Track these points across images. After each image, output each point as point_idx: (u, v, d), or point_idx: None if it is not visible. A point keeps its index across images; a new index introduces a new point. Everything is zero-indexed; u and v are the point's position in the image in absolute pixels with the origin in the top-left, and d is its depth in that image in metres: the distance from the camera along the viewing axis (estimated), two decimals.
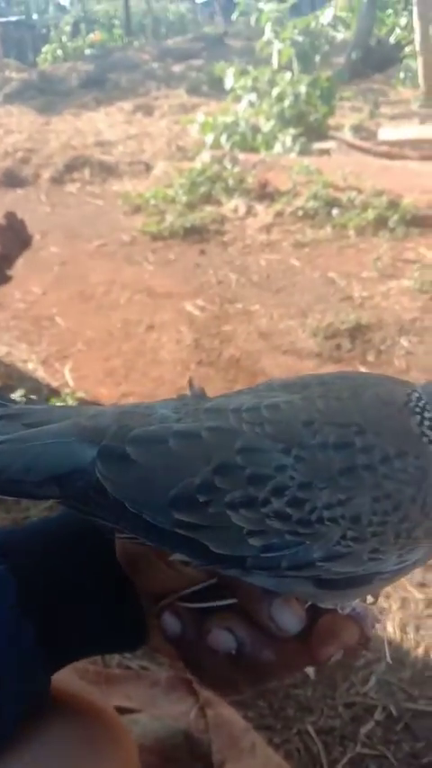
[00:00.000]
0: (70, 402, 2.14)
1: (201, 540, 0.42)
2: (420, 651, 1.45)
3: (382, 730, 1.32)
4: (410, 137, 4.96)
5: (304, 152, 4.93)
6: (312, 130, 5.24)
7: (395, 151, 4.78)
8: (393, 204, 3.63)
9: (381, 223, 3.54)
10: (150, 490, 0.43)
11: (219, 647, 0.46)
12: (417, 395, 0.45)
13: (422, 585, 1.57)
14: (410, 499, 0.42)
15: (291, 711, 1.36)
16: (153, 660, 1.45)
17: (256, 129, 5.23)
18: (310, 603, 0.45)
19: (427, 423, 0.44)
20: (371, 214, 3.58)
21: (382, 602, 1.56)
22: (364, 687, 1.39)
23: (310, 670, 1.52)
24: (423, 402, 0.45)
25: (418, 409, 0.44)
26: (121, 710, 1.27)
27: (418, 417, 0.44)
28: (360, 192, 3.83)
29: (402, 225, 3.49)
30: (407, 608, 1.54)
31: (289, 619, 0.44)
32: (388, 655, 1.39)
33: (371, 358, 2.45)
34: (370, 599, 0.50)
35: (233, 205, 3.92)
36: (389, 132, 5.14)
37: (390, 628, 1.49)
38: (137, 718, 1.29)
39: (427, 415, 0.44)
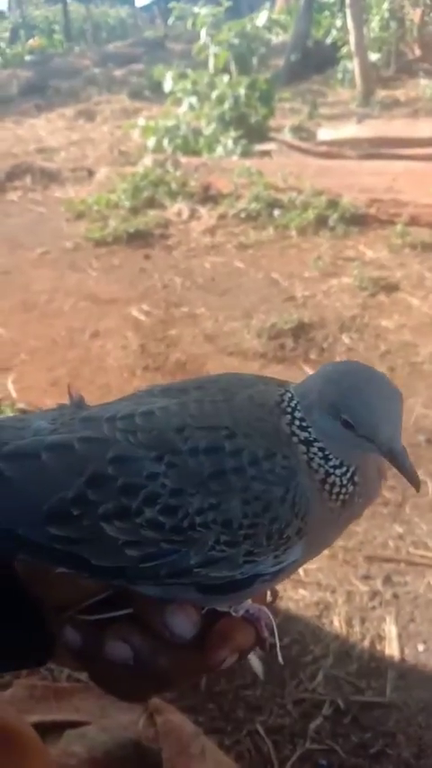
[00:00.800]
0: (10, 414, 2.10)
1: (80, 554, 0.42)
2: (366, 643, 1.47)
3: (330, 724, 1.34)
4: (349, 136, 5.04)
5: (246, 154, 4.96)
6: (253, 132, 5.28)
7: (334, 151, 4.85)
8: (333, 203, 3.68)
9: (321, 222, 3.59)
10: (25, 506, 0.43)
11: (115, 657, 0.45)
12: (289, 395, 0.46)
13: (366, 578, 1.60)
14: (280, 500, 0.43)
15: (241, 713, 1.37)
16: None
17: (197, 133, 5.24)
18: (207, 608, 0.45)
19: (296, 422, 0.44)
20: (311, 214, 3.63)
21: (327, 596, 1.58)
22: (312, 683, 1.41)
23: (259, 670, 1.54)
24: (294, 402, 0.45)
25: (289, 409, 0.45)
26: (71, 724, 1.26)
27: (289, 417, 0.45)
28: (300, 192, 3.87)
29: (342, 224, 3.54)
30: (352, 601, 1.56)
31: (183, 625, 0.44)
32: (261, 673, 1.42)
33: (314, 356, 2.48)
34: (269, 597, 0.50)
35: (177, 209, 3.92)
36: (328, 132, 5.21)
37: (336, 622, 1.51)
38: (85, 731, 1.28)
39: (297, 414, 0.45)
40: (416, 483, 0.44)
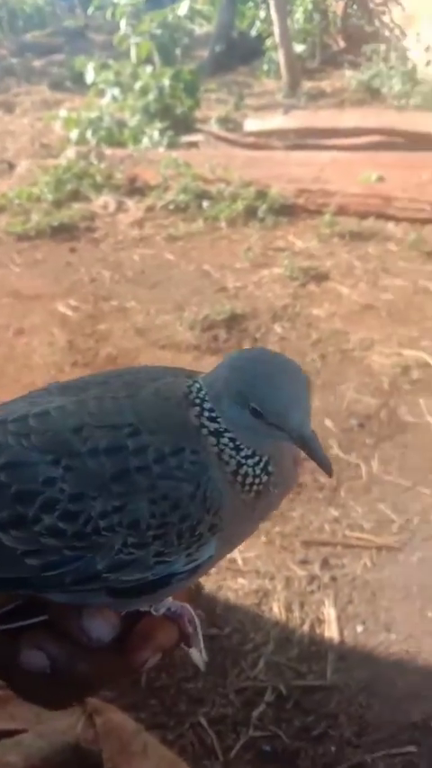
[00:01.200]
0: None
1: None
2: (306, 628, 1.47)
3: (273, 711, 1.34)
4: (275, 127, 5.06)
5: (172, 145, 4.91)
6: (179, 124, 5.23)
7: (261, 142, 4.86)
8: (261, 194, 3.68)
9: (250, 213, 3.59)
10: None
11: (31, 667, 0.43)
12: (197, 386, 0.44)
13: (304, 563, 1.61)
14: (189, 496, 0.41)
15: (183, 706, 1.35)
16: None
17: (122, 124, 5.16)
18: (123, 613, 0.43)
19: (206, 414, 0.43)
20: (240, 205, 3.62)
21: (266, 583, 1.58)
22: (253, 671, 1.40)
23: (200, 661, 1.52)
24: (203, 393, 0.43)
25: (197, 401, 0.43)
26: (6, 733, 1.21)
27: (197, 409, 0.43)
28: (229, 183, 3.86)
29: (271, 214, 3.55)
30: (291, 587, 1.56)
31: (100, 628, 0.42)
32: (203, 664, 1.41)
33: (247, 346, 2.47)
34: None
35: (102, 201, 3.84)
36: (254, 123, 5.21)
37: (275, 608, 1.51)
38: (21, 738, 1.23)
39: (206, 405, 0.43)
40: (328, 469, 0.42)
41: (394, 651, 1.41)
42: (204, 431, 0.42)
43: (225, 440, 0.42)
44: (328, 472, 0.43)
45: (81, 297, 2.86)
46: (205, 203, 3.71)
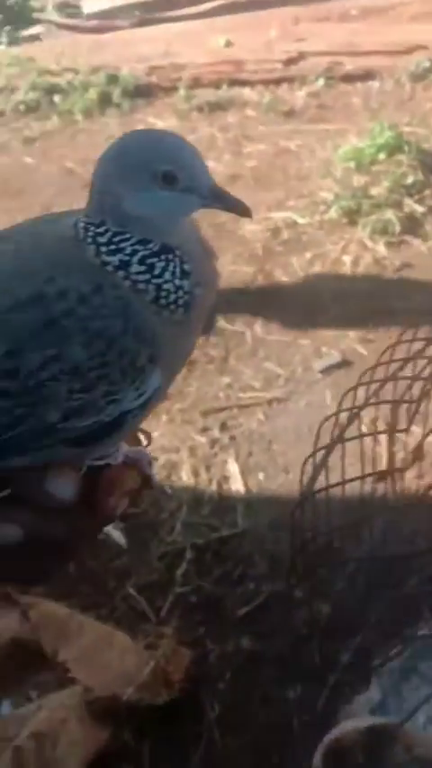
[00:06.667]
0: None
1: None
2: (214, 487, 1.56)
3: (194, 566, 1.43)
4: (117, 4, 4.75)
5: (12, 42, 4.56)
6: (15, 17, 4.83)
7: (107, 24, 4.57)
8: (113, 78, 3.50)
9: (105, 101, 3.43)
10: None
11: (6, 541, 0.43)
12: (81, 224, 0.41)
13: (204, 430, 1.68)
14: (121, 332, 0.40)
15: (112, 583, 1.43)
16: None
17: None
18: (84, 470, 0.44)
19: (103, 249, 0.40)
20: (93, 93, 3.44)
21: (173, 456, 1.64)
22: (171, 536, 1.49)
23: (121, 540, 1.60)
24: (92, 230, 0.41)
25: (89, 239, 0.41)
26: None
27: (93, 248, 0.41)
28: (77, 72, 3.64)
29: (126, 98, 3.40)
30: (195, 455, 1.63)
31: (64, 487, 0.42)
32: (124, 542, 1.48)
33: None
34: (144, 441, 0.50)
35: None
36: (94, 4, 4.87)
37: (184, 477, 1.59)
38: None
39: (100, 240, 0.41)
40: (246, 211, 0.43)
41: (294, 489, 1.52)
42: (109, 267, 0.40)
43: (134, 268, 0.40)
44: (248, 214, 0.43)
45: None
46: (56, 98, 3.51)
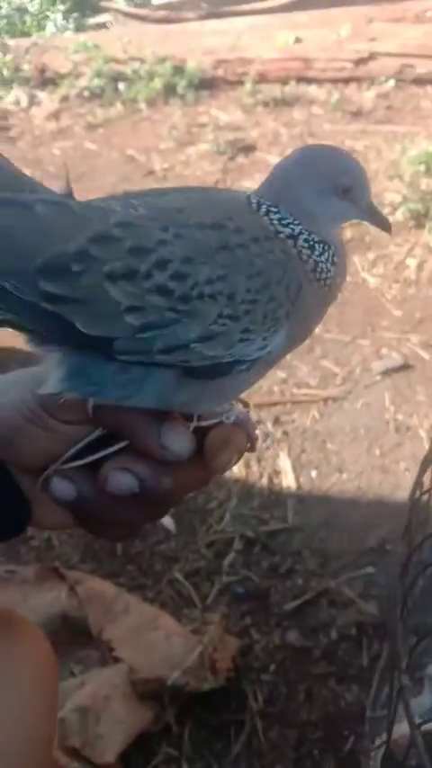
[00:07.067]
0: None
1: (68, 317, 0.40)
2: (264, 480, 1.56)
3: (242, 557, 1.43)
4: None
5: (80, 29, 4.59)
6: (83, 4, 4.87)
7: (173, 15, 4.57)
8: (179, 70, 3.51)
9: (170, 91, 3.44)
10: (13, 254, 0.39)
11: (120, 488, 0.45)
12: (254, 200, 0.47)
13: (257, 423, 1.67)
14: (277, 280, 0.43)
15: (159, 566, 1.44)
16: (18, 561, 1.46)
17: (22, 11, 4.78)
18: (193, 427, 0.47)
19: (275, 221, 0.46)
20: (158, 83, 3.46)
21: None
22: (220, 525, 1.49)
23: (170, 525, 1.60)
24: (265, 207, 0.46)
25: (263, 210, 0.46)
26: None
27: (266, 218, 0.46)
28: (143, 61, 3.66)
29: (191, 89, 3.41)
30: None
31: (180, 442, 0.45)
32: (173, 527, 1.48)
33: None
34: (242, 407, 0.52)
35: (13, 97, 3.63)
36: None
37: (234, 468, 1.58)
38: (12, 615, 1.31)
39: (273, 216, 0.46)
40: (390, 228, 0.51)
41: (347, 489, 1.51)
42: (281, 235, 0.45)
43: (301, 241, 0.46)
44: (390, 231, 0.52)
45: None
46: (121, 86, 3.53)
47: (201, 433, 0.48)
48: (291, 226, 0.46)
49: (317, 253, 0.46)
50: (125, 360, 0.42)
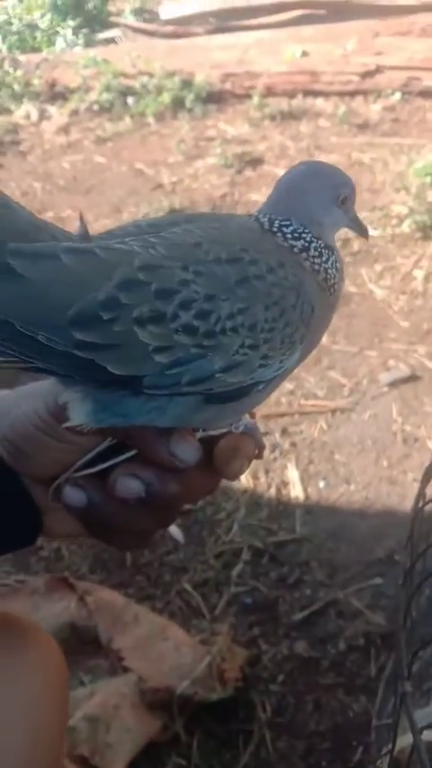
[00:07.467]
0: None
1: (99, 362, 0.41)
2: (273, 491, 1.57)
3: (250, 567, 1.44)
4: (194, 12, 4.81)
5: (89, 44, 4.65)
6: (93, 20, 4.93)
7: (181, 30, 4.62)
8: (187, 84, 3.55)
9: (178, 105, 3.48)
10: (46, 308, 0.40)
11: (128, 493, 0.47)
12: (265, 219, 0.50)
13: (265, 434, 1.68)
14: (292, 306, 0.46)
15: (167, 577, 1.45)
16: (28, 571, 1.47)
17: (32, 27, 4.85)
18: (200, 437, 0.49)
19: (288, 235, 0.49)
20: (167, 97, 3.49)
21: None
22: (228, 535, 1.49)
23: (179, 536, 1.61)
24: (277, 222, 0.50)
25: (275, 228, 0.49)
26: None
27: (280, 235, 0.49)
28: (152, 76, 3.70)
29: (199, 103, 3.44)
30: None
31: (188, 450, 0.47)
32: (181, 537, 1.48)
33: None
34: (247, 417, 0.54)
35: (24, 111, 3.67)
36: (170, 10, 4.93)
37: (243, 479, 1.60)
38: None
39: (285, 230, 0.49)
40: (366, 234, 0.57)
41: (355, 500, 1.52)
42: (296, 249, 0.49)
43: (312, 251, 0.49)
44: (367, 237, 0.58)
45: None
46: (130, 100, 3.57)
47: (206, 441, 0.50)
48: (303, 236, 0.49)
49: (324, 259, 0.50)
50: (153, 394, 0.44)
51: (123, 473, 0.47)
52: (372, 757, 1.04)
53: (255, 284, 0.44)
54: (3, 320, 0.39)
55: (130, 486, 0.47)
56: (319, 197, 0.51)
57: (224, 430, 0.50)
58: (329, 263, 0.50)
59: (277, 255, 0.47)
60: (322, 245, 0.50)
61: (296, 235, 0.49)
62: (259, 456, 0.53)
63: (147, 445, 0.47)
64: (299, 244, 0.49)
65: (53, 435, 0.48)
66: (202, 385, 0.44)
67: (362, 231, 0.56)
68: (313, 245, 0.49)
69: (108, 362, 0.41)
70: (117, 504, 0.48)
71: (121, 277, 0.41)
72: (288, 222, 0.49)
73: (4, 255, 0.40)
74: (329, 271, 0.50)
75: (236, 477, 0.50)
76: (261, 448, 0.53)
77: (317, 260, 0.49)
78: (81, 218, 0.46)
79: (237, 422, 0.50)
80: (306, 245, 0.49)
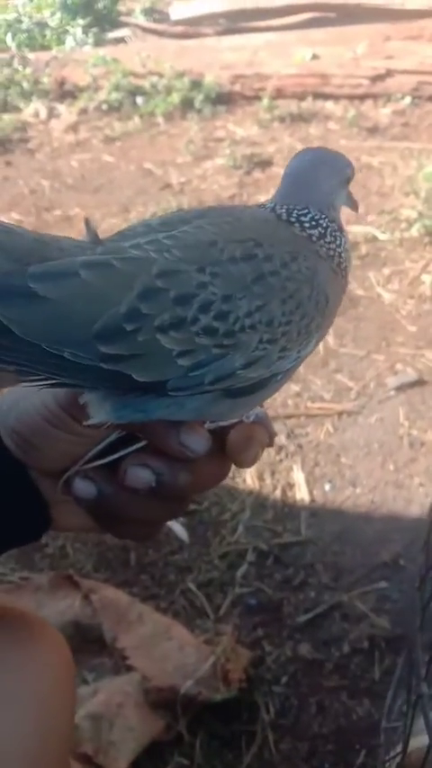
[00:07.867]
0: None
1: (125, 371, 0.42)
2: (278, 493, 1.57)
3: (255, 569, 1.44)
4: (204, 12, 4.81)
5: (98, 43, 4.66)
6: (103, 19, 4.94)
7: (191, 30, 4.63)
8: (196, 84, 3.56)
9: (187, 105, 3.48)
10: (71, 326, 0.41)
11: (138, 483, 0.47)
12: (282, 210, 0.50)
13: None
14: (307, 298, 0.47)
15: (172, 576, 1.45)
16: (32, 569, 1.47)
17: (42, 26, 4.86)
18: (210, 427, 0.49)
19: (307, 225, 0.50)
20: (176, 98, 3.50)
21: None
22: (233, 536, 1.49)
23: (184, 535, 1.61)
24: (295, 212, 0.50)
25: (293, 219, 0.50)
26: None
27: (298, 226, 0.50)
28: (161, 76, 3.71)
29: (208, 104, 3.45)
30: (261, 459, 1.64)
31: (198, 440, 0.47)
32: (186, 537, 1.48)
33: None
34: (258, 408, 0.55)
35: (33, 109, 3.67)
36: (180, 10, 4.94)
37: (248, 480, 1.60)
38: None
39: (303, 219, 0.50)
40: (357, 208, 0.58)
41: (361, 503, 1.52)
42: (313, 237, 0.50)
43: (328, 237, 0.50)
44: (357, 210, 0.58)
45: (23, 210, 2.79)
46: (139, 99, 3.58)
47: (215, 430, 0.50)
48: (320, 223, 0.50)
49: (338, 243, 0.51)
50: (177, 395, 0.44)
51: (134, 463, 0.48)
52: (379, 758, 1.04)
53: (270, 281, 0.45)
54: (31, 342, 0.40)
55: (140, 476, 0.47)
56: (330, 182, 0.52)
57: (234, 420, 0.50)
58: (342, 246, 0.51)
59: (293, 246, 0.48)
60: (335, 227, 0.51)
61: (314, 223, 0.50)
62: (270, 444, 0.53)
63: (157, 436, 0.47)
64: (316, 232, 0.50)
65: (62, 427, 0.48)
66: (224, 383, 0.45)
67: (354, 206, 0.58)
68: (329, 230, 0.51)
69: (133, 371, 0.42)
70: (127, 494, 0.48)
71: (141, 287, 0.42)
72: (306, 210, 0.50)
73: (25, 279, 0.41)
74: (342, 255, 0.51)
75: (251, 464, 0.51)
76: (272, 435, 0.54)
77: (332, 245, 0.50)
78: (87, 223, 0.46)
79: (251, 411, 0.51)
80: (323, 231, 0.50)
